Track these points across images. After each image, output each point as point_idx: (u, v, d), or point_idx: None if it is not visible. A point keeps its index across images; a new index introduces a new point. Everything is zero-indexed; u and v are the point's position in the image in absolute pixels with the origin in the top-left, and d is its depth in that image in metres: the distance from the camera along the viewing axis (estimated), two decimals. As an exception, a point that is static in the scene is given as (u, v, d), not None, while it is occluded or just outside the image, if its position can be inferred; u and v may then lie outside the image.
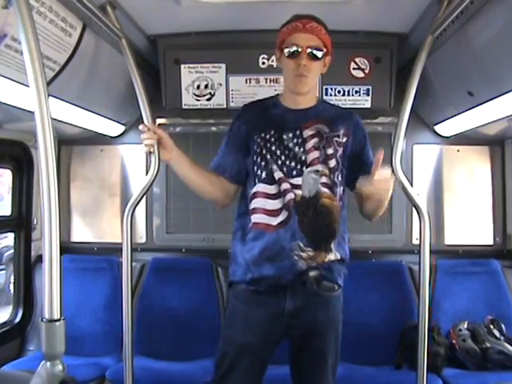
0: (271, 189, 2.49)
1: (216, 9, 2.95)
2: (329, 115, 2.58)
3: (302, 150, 2.49)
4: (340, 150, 2.53)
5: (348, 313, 3.81)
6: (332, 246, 2.51)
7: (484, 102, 2.98)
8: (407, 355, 3.50)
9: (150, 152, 2.61)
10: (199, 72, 3.59)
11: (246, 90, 3.60)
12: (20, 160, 3.81)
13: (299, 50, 2.43)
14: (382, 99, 3.60)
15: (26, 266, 3.95)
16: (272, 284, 2.48)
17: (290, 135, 2.51)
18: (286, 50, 2.46)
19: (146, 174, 2.77)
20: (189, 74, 3.60)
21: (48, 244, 1.65)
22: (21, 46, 1.67)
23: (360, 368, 3.59)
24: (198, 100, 3.63)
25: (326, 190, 2.49)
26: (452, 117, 3.61)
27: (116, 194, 4.40)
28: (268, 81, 3.59)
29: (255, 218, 2.51)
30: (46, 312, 1.64)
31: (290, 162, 2.49)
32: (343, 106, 3.01)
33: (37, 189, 3.89)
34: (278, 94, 2.70)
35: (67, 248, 4.24)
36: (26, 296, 3.93)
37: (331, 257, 2.50)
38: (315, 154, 2.49)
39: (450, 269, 3.95)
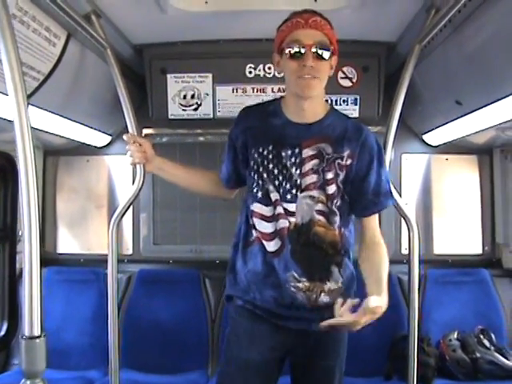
0: (267, 210, 2.30)
1: (202, 18, 2.94)
2: (335, 132, 2.29)
3: (298, 171, 2.26)
4: (342, 175, 2.27)
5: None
6: (329, 274, 2.32)
7: (472, 111, 2.96)
8: (397, 366, 3.46)
9: (135, 163, 2.58)
10: (186, 82, 3.58)
11: (232, 99, 3.58)
12: (4, 170, 3.76)
13: (303, 48, 2.14)
14: (369, 108, 3.60)
15: (11, 278, 3.88)
16: (272, 312, 2.34)
17: (289, 152, 2.27)
18: (288, 50, 2.17)
19: (133, 184, 2.73)
20: (175, 84, 3.59)
21: (28, 257, 1.61)
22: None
23: (349, 379, 3.52)
24: (184, 110, 3.61)
25: (320, 217, 2.27)
26: (440, 126, 3.60)
27: (103, 204, 4.35)
28: (255, 90, 3.57)
29: (257, 233, 2.33)
30: (26, 328, 1.60)
31: (286, 184, 2.27)
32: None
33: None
34: (281, 97, 2.42)
35: (53, 259, 4.23)
36: (11, 309, 3.86)
37: (331, 286, 2.31)
38: (312, 179, 2.26)
39: (439, 278, 3.94)
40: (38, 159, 4.12)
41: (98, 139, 4.11)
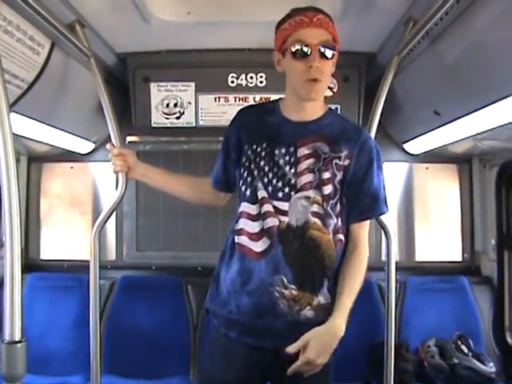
0: (253, 209, 2.18)
1: (185, 28, 2.96)
2: (333, 132, 2.21)
3: (293, 170, 2.16)
4: (339, 175, 2.17)
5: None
6: (321, 286, 2.17)
7: (450, 122, 3.00)
8: (376, 371, 3.47)
9: (118, 171, 2.63)
10: (169, 90, 3.60)
11: (215, 108, 3.60)
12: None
13: (309, 48, 2.05)
14: (350, 118, 3.53)
15: (-6, 283, 3.87)
16: (248, 326, 2.20)
17: (283, 151, 2.18)
18: (294, 50, 2.07)
19: (116, 190, 2.76)
20: (158, 93, 3.60)
21: (9, 263, 1.63)
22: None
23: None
24: (167, 118, 3.63)
25: (316, 220, 2.14)
26: (420, 135, 3.64)
27: (87, 211, 4.36)
28: (237, 99, 3.59)
29: (240, 239, 2.21)
30: (7, 333, 1.62)
31: (277, 182, 2.16)
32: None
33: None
34: (280, 99, 2.34)
35: (37, 265, 4.23)
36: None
37: (321, 300, 2.16)
38: (308, 178, 2.15)
39: (419, 286, 3.97)
40: (22, 166, 4.13)
41: (82, 146, 4.12)
